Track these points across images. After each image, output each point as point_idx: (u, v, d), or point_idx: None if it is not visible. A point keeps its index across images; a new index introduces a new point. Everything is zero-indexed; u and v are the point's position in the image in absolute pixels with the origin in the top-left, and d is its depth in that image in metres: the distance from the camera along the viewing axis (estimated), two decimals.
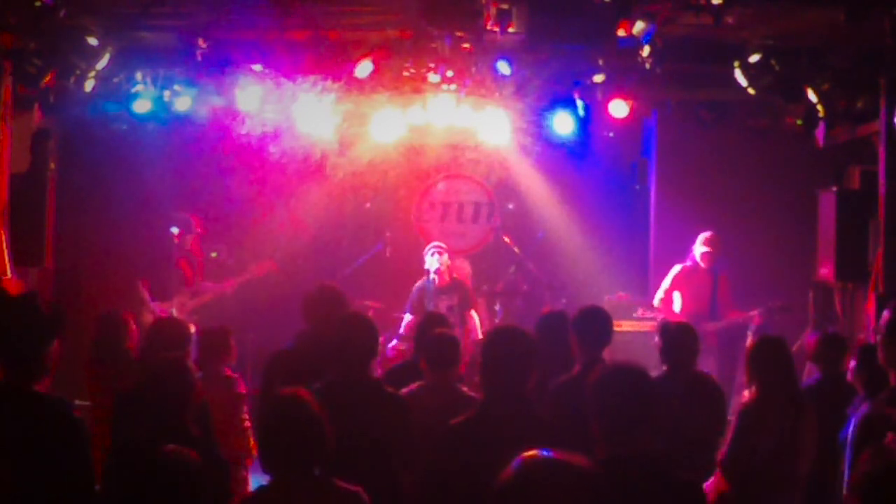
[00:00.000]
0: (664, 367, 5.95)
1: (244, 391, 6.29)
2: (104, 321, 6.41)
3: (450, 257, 9.43)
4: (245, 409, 6.24)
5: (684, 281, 9.05)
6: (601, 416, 3.42)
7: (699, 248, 9.00)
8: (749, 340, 8.66)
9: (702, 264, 8.98)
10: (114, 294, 9.30)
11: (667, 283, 9.11)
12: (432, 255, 9.26)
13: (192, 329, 8.87)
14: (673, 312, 8.97)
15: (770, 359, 5.37)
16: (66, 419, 3.93)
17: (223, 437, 5.69)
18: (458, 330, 8.79)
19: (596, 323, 5.64)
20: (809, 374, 6.63)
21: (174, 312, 9.18)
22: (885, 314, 4.48)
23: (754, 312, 8.81)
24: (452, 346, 5.35)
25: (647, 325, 9.18)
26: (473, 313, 9.30)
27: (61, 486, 3.81)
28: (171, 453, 3.15)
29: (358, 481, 3.74)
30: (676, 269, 9.14)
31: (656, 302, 9.12)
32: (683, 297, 9.01)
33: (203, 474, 3.13)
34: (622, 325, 8.98)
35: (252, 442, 6.16)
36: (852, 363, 5.53)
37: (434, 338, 5.36)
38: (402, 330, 9.30)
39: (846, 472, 4.42)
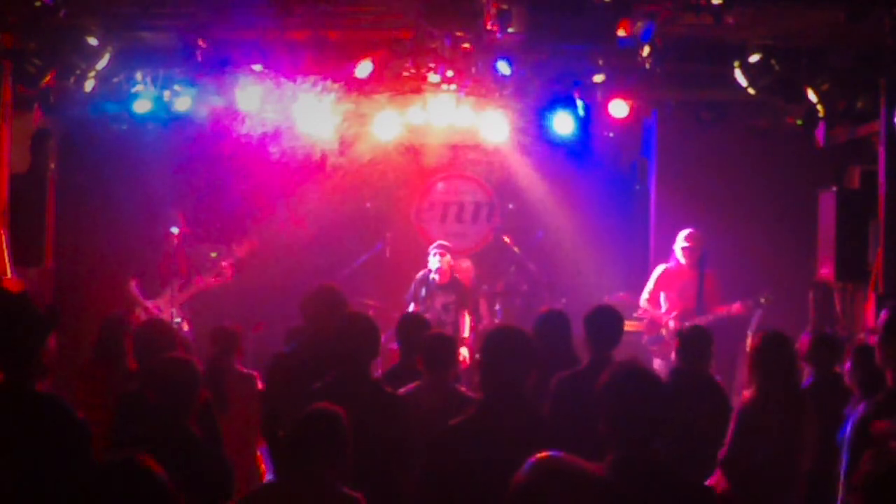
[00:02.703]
0: (676, 367, 6.04)
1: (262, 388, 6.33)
2: (107, 323, 6.41)
3: (452, 258, 9.46)
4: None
5: (669, 280, 9.10)
6: (613, 419, 3.37)
7: (679, 245, 9.06)
8: (750, 340, 8.69)
9: (682, 260, 9.03)
10: (112, 294, 9.32)
11: (651, 284, 9.16)
12: (434, 255, 9.32)
13: (186, 327, 8.93)
14: (659, 312, 9.01)
15: (775, 357, 5.35)
16: (68, 419, 3.92)
17: (243, 434, 5.73)
18: (451, 328, 8.86)
19: (608, 322, 5.67)
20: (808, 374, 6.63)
21: (172, 311, 9.18)
22: (883, 314, 4.48)
23: (737, 304, 8.85)
24: (449, 346, 5.35)
25: (635, 326, 9.17)
26: (466, 315, 9.35)
27: (62, 486, 3.80)
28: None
29: (357, 482, 3.75)
30: (660, 269, 9.19)
31: (642, 303, 9.16)
32: (669, 296, 9.05)
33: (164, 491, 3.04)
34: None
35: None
36: (848, 364, 5.53)
37: (431, 338, 5.37)
38: None
39: (843, 473, 4.42)
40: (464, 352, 8.91)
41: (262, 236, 9.96)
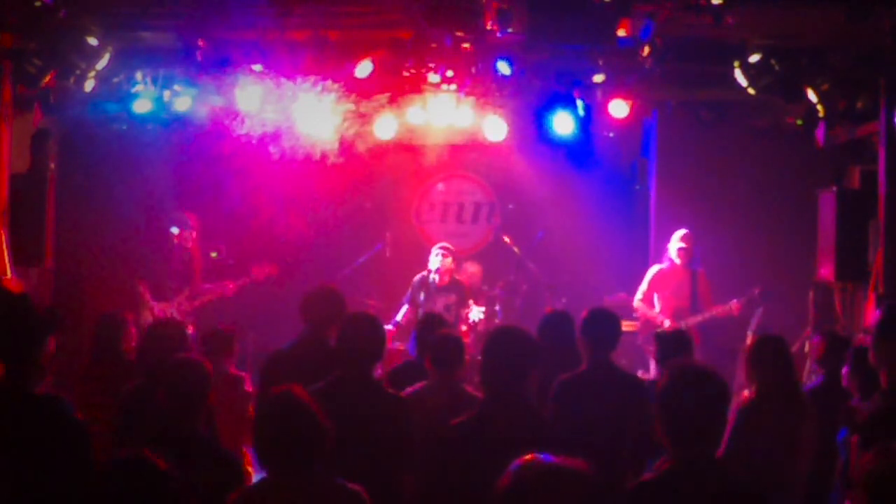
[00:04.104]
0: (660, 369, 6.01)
1: (251, 390, 6.30)
2: (103, 322, 6.40)
3: (454, 260, 9.44)
4: (251, 407, 6.25)
5: (662, 281, 9.12)
6: (672, 422, 3.34)
7: (675, 245, 9.07)
8: (749, 340, 8.70)
9: (677, 261, 9.04)
10: (114, 294, 9.31)
11: (644, 285, 9.16)
12: (437, 255, 9.30)
13: (190, 330, 8.92)
14: (653, 313, 9.01)
15: (770, 358, 5.36)
16: (66, 420, 3.92)
17: (233, 436, 5.70)
18: (454, 328, 8.86)
19: (605, 325, 5.63)
20: (810, 374, 6.62)
21: (174, 314, 9.18)
22: (876, 314, 4.48)
23: (733, 302, 8.85)
24: (457, 345, 5.35)
25: (631, 326, 9.16)
26: (471, 303, 9.36)
27: (61, 487, 3.80)
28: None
29: (358, 482, 3.73)
30: (653, 270, 9.20)
31: (636, 303, 9.16)
32: (663, 296, 9.06)
33: (172, 487, 3.06)
34: (623, 325, 8.99)
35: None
36: (846, 366, 5.52)
37: (439, 338, 5.37)
38: (398, 317, 9.34)
39: (842, 473, 4.42)
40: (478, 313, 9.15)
41: (280, 263, 9.89)
